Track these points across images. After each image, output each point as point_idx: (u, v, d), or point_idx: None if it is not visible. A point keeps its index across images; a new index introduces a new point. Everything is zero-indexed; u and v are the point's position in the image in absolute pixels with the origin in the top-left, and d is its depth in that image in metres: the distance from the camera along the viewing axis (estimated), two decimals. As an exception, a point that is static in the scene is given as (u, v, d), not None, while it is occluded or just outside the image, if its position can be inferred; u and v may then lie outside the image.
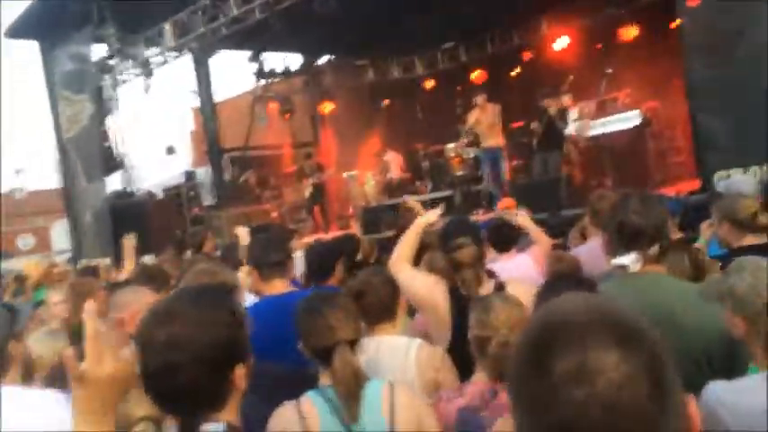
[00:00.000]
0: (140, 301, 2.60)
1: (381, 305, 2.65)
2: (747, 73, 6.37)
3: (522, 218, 4.32)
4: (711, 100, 6.74)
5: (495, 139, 10.13)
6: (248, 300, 2.94)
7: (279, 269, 3.03)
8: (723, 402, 1.68)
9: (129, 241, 5.28)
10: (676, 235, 3.71)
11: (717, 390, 1.72)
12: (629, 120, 9.88)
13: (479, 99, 10.08)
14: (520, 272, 3.92)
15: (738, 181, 4.91)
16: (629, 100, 10.77)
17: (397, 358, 2.53)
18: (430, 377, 2.52)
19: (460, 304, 2.79)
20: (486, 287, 2.95)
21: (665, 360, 0.78)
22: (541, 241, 4.16)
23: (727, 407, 1.67)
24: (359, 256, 5.79)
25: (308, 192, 13.43)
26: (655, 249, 2.18)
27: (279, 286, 3.01)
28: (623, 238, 2.20)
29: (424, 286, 3.02)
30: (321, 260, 3.59)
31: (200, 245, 5.76)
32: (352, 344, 2.14)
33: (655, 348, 0.79)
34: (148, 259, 6.62)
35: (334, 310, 2.16)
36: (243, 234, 4.48)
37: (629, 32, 12.17)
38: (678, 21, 7.25)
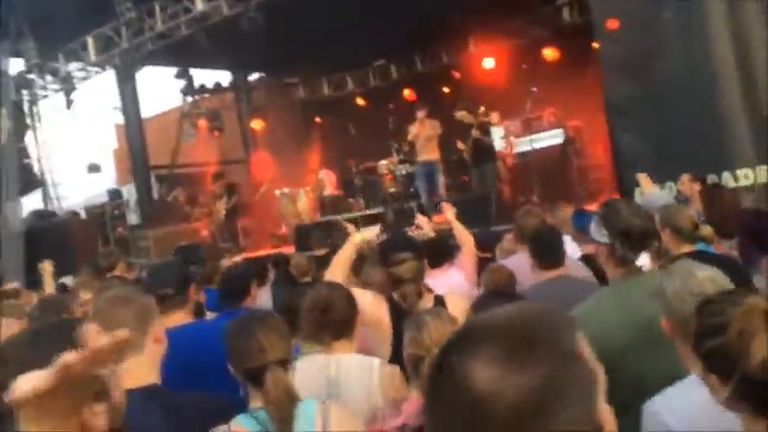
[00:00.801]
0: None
1: (343, 321, 2.62)
2: (662, 93, 6.72)
3: (450, 212, 4.40)
4: (629, 118, 7.05)
5: (432, 154, 10.20)
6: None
7: (175, 301, 2.86)
8: (664, 408, 1.74)
9: (47, 266, 5.06)
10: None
11: (656, 398, 1.78)
12: (553, 137, 10.23)
13: (420, 113, 10.14)
14: (452, 287, 3.99)
15: (655, 196, 5.13)
16: (554, 118, 11.15)
17: (362, 377, 2.50)
18: (392, 396, 2.50)
19: (399, 319, 2.80)
20: (427, 301, 2.99)
21: (558, 377, 0.76)
22: (465, 240, 4.24)
23: (669, 411, 1.73)
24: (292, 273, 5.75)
25: (221, 214, 13.22)
26: (656, 248, 2.29)
27: (179, 318, 2.83)
28: (633, 242, 2.26)
29: (368, 302, 3.01)
30: (234, 283, 3.52)
31: (112, 267, 5.48)
32: (284, 363, 2.10)
33: (552, 365, 0.76)
34: (68, 280, 6.32)
35: (265, 330, 2.12)
36: (47, 269, 4.46)
37: (553, 53, 12.67)
38: (597, 43, 7.55)
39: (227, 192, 13.31)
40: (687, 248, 3.15)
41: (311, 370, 2.53)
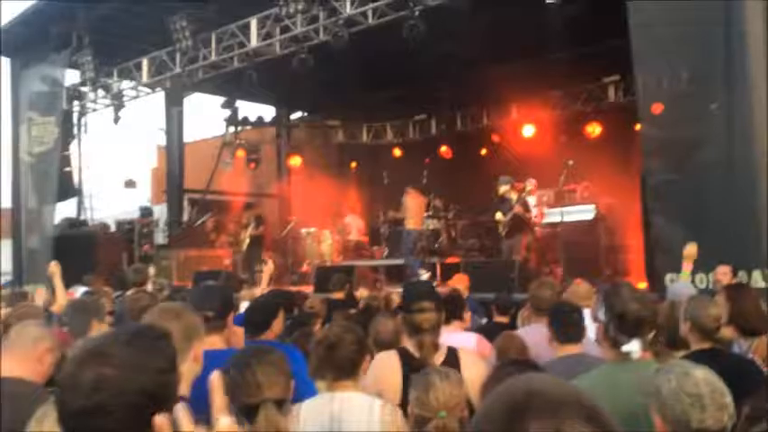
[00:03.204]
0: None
1: (349, 362, 2.63)
2: (702, 182, 6.64)
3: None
4: (665, 203, 6.97)
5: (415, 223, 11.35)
6: None
7: (213, 325, 2.88)
8: None
9: (54, 268, 5.16)
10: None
11: None
12: (584, 212, 10.15)
13: (411, 191, 11.41)
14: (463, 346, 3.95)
15: (681, 288, 5.05)
16: (587, 194, 11.08)
17: (362, 417, 2.50)
18: None
19: (410, 370, 2.78)
20: (440, 354, 2.95)
21: None
22: None
23: None
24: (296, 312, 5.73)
25: (244, 244, 13.29)
26: (650, 336, 2.29)
27: (214, 343, 2.84)
28: (626, 327, 2.27)
29: (382, 368, 3.00)
30: (256, 315, 3.51)
31: (143, 283, 5.60)
32: (280, 403, 2.07)
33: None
34: (78, 290, 6.40)
35: (264, 366, 2.11)
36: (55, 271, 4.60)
37: (594, 129, 12.69)
38: (640, 125, 7.54)
39: (255, 221, 13.41)
40: (706, 345, 3.08)
41: (314, 406, 2.54)
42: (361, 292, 5.75)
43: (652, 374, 2.03)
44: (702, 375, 1.86)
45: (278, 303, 3.67)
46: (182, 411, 1.21)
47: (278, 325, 3.54)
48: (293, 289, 10.31)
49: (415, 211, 11.35)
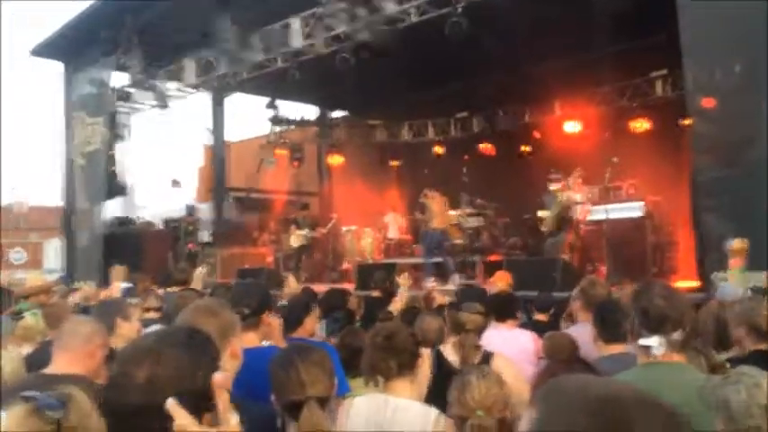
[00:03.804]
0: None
1: (408, 354, 2.59)
2: (753, 180, 6.44)
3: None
4: (715, 200, 6.79)
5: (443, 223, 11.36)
6: None
7: (249, 322, 2.87)
8: None
9: (119, 271, 5.31)
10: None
11: None
12: (631, 210, 9.92)
13: (429, 193, 11.43)
14: (519, 343, 4.02)
15: (730, 290, 4.92)
16: (634, 190, 10.84)
17: (416, 426, 2.43)
18: None
19: (441, 372, 2.76)
20: (476, 355, 2.96)
21: None
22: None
23: None
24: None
25: (295, 243, 13.38)
26: (678, 335, 2.18)
27: (250, 340, 2.84)
28: (649, 323, 2.21)
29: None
30: (290, 312, 3.56)
31: (186, 281, 5.69)
32: (323, 402, 2.09)
33: None
34: (123, 286, 6.55)
35: (307, 364, 2.12)
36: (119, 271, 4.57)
37: (641, 125, 12.41)
38: (690, 120, 7.35)
39: (310, 226, 13.48)
40: (763, 346, 2.98)
41: (368, 408, 2.50)
42: (402, 281, 5.71)
43: (690, 379, 1.97)
44: None
45: (308, 301, 3.73)
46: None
47: (310, 322, 3.57)
48: (335, 286, 10.38)
49: (437, 211, 11.35)
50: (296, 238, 13.33)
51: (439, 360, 3.01)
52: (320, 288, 7.38)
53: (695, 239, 7.81)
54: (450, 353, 3.30)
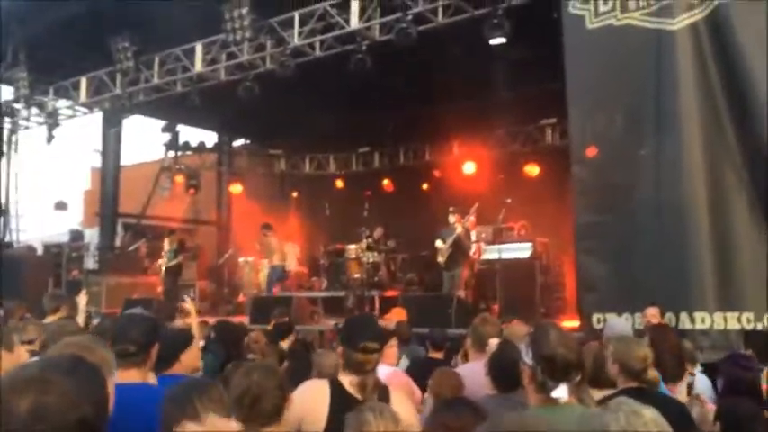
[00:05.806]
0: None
1: (275, 408, 2.49)
2: (631, 224, 6.83)
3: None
4: (594, 242, 7.12)
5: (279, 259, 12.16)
6: None
7: (132, 360, 2.74)
8: None
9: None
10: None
11: None
12: (521, 250, 10.32)
13: (268, 232, 12.14)
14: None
15: (617, 325, 5.15)
16: (524, 232, 11.30)
17: None
18: None
19: (340, 404, 2.71)
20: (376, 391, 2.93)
21: None
22: None
23: None
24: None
25: (162, 269, 12.70)
26: (576, 380, 2.26)
27: (130, 376, 2.70)
28: (554, 372, 2.25)
29: (308, 399, 2.91)
30: (164, 347, 3.33)
31: (56, 310, 5.28)
32: None
33: None
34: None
35: (204, 401, 2.02)
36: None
37: (532, 170, 13.04)
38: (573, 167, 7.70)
39: (175, 251, 12.85)
40: (634, 384, 3.13)
41: None
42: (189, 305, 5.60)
43: (579, 418, 2.03)
44: (651, 415, 1.81)
45: (187, 337, 3.55)
46: None
47: (189, 358, 3.39)
48: (230, 319, 10.06)
49: (275, 248, 12.04)
50: (162, 266, 12.73)
51: (338, 391, 2.94)
52: (212, 320, 7.14)
53: (575, 280, 8.17)
54: (348, 385, 3.22)
